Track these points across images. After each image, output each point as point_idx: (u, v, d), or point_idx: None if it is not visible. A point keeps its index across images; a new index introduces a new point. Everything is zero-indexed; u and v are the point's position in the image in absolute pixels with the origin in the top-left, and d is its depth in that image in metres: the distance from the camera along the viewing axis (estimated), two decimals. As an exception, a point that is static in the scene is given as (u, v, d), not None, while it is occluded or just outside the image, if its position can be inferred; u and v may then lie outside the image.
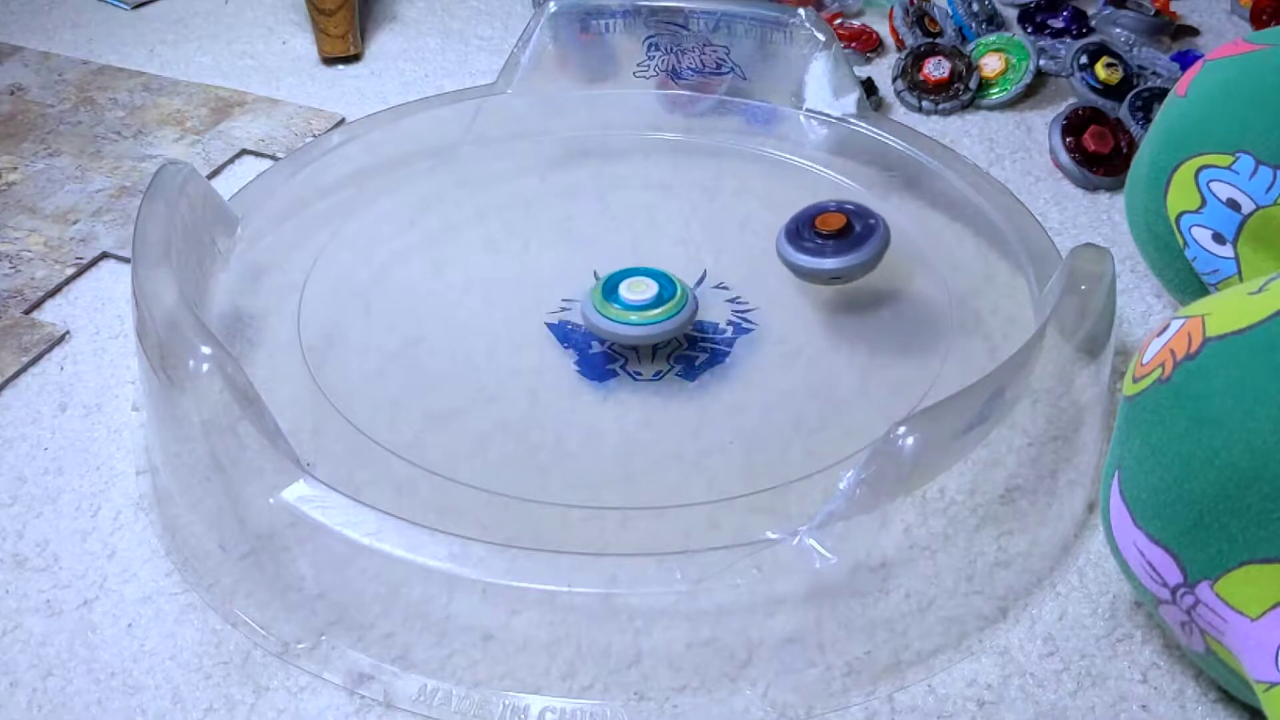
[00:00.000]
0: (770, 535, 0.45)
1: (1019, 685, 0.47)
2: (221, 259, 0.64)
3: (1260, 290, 0.41)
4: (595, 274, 0.62)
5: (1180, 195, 0.57)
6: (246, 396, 0.49)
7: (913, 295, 0.65)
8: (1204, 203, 0.56)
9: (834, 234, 0.61)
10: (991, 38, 0.87)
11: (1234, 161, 0.55)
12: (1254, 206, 0.55)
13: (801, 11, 0.75)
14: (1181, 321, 0.43)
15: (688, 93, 0.78)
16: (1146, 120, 0.77)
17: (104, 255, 0.70)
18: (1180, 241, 0.58)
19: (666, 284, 0.59)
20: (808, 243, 0.61)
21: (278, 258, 0.67)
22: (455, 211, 0.72)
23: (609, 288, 0.59)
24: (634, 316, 0.58)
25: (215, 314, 0.62)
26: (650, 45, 0.77)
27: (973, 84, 0.83)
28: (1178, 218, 0.58)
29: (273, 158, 0.78)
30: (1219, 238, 0.56)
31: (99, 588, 0.51)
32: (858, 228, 0.61)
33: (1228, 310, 0.41)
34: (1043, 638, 0.49)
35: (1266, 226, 0.55)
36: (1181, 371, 0.41)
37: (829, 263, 0.60)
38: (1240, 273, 0.57)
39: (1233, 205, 0.55)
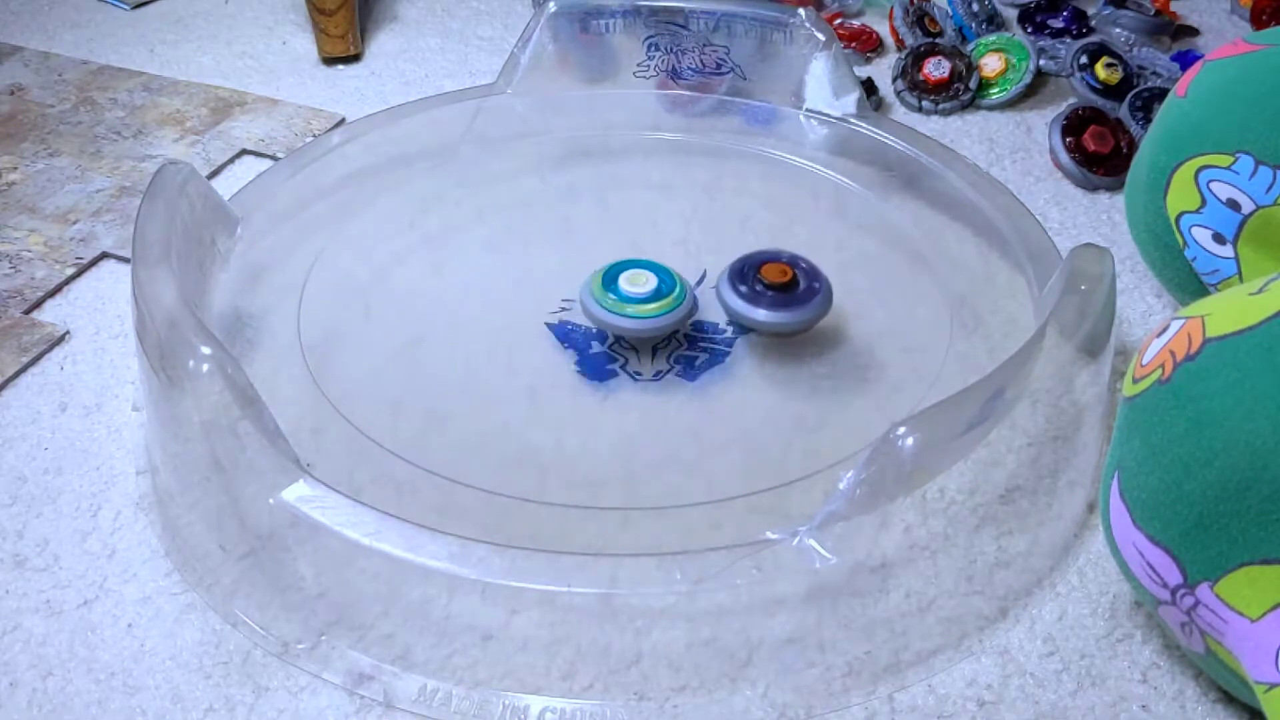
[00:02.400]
0: (770, 535, 0.45)
1: (1019, 685, 0.47)
2: (221, 259, 0.64)
3: (1261, 291, 0.41)
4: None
5: (1180, 195, 0.57)
6: (246, 396, 0.49)
7: (913, 295, 0.65)
8: (1204, 203, 0.56)
9: (777, 286, 0.59)
10: (991, 38, 0.87)
11: (1234, 162, 0.55)
12: (1254, 206, 0.55)
13: (801, 11, 0.75)
14: (1181, 322, 0.43)
15: (688, 93, 0.78)
16: (1146, 120, 0.77)
17: (104, 255, 0.70)
18: (1180, 242, 0.58)
19: (666, 278, 0.60)
20: (746, 288, 0.59)
21: (278, 258, 0.67)
22: (455, 211, 0.72)
23: (609, 278, 0.59)
24: (631, 309, 0.58)
25: (215, 314, 0.62)
26: (650, 45, 0.77)
27: (973, 84, 0.83)
28: (1178, 218, 0.58)
29: (273, 158, 0.78)
30: (1219, 238, 0.56)
31: (99, 588, 0.51)
32: (802, 285, 0.59)
33: (1228, 311, 0.41)
34: (1043, 638, 0.49)
35: (1266, 227, 0.55)
36: (1181, 372, 0.41)
37: (761, 314, 0.59)
38: (1240, 273, 0.57)
39: (1233, 205, 0.55)
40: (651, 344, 0.61)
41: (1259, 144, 0.54)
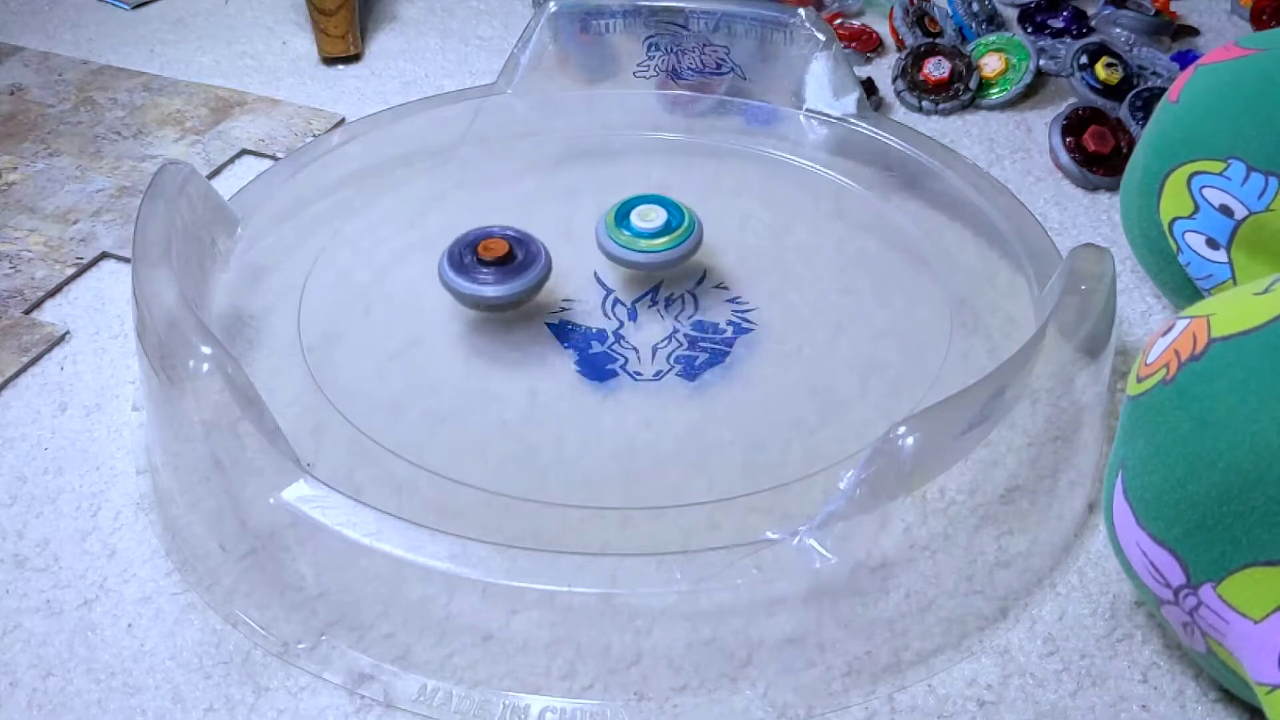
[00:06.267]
0: (770, 535, 0.45)
1: (1019, 685, 0.47)
2: (221, 259, 0.64)
3: (1266, 291, 0.41)
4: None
5: (1173, 201, 0.58)
6: (246, 396, 0.49)
7: (913, 295, 0.65)
8: (1197, 208, 0.57)
9: (496, 261, 0.61)
10: (991, 38, 0.87)
11: (1226, 168, 0.55)
12: (1246, 212, 0.55)
13: (801, 11, 0.75)
14: (1186, 321, 0.43)
15: (688, 93, 0.78)
16: (1146, 120, 0.77)
17: (104, 255, 0.70)
18: (1173, 247, 0.58)
19: (675, 212, 0.63)
20: (469, 269, 0.61)
21: (278, 258, 0.67)
22: (455, 211, 0.72)
23: (621, 214, 0.63)
24: (643, 244, 0.62)
25: (215, 314, 0.62)
26: (650, 45, 0.77)
27: (973, 84, 0.83)
28: (1171, 223, 0.58)
29: (273, 158, 0.78)
30: (1212, 243, 0.57)
31: (99, 588, 0.51)
32: (519, 256, 0.61)
33: (1233, 311, 0.41)
34: (1043, 638, 0.49)
35: (1259, 232, 0.55)
36: (1186, 372, 0.41)
37: (489, 290, 0.60)
38: (1234, 278, 0.57)
39: (1225, 211, 0.55)
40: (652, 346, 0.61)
41: (1251, 150, 0.54)
